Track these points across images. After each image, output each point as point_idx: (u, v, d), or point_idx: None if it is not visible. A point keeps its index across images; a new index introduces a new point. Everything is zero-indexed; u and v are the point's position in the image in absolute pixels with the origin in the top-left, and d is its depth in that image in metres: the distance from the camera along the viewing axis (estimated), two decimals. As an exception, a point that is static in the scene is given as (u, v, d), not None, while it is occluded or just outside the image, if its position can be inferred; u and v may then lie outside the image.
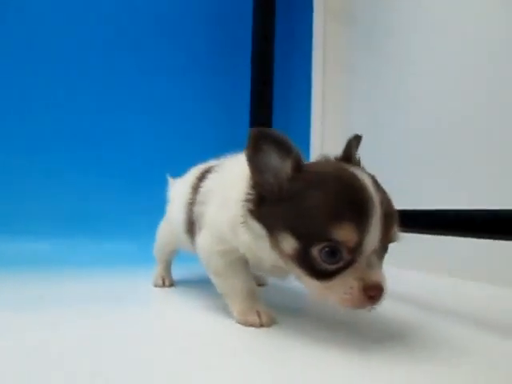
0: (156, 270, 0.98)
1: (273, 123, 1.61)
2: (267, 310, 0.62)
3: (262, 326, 0.59)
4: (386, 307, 0.54)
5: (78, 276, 1.06)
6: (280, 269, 0.57)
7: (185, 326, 0.62)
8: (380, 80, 1.41)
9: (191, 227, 0.73)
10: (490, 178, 1.00)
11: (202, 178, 0.74)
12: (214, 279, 0.67)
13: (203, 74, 1.82)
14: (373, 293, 0.47)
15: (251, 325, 0.59)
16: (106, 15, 1.70)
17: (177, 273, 1.02)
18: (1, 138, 1.54)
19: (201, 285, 0.91)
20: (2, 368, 0.42)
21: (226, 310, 0.65)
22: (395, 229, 0.51)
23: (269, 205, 0.53)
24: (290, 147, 0.53)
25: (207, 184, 0.70)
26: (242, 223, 0.56)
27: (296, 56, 1.82)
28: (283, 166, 0.53)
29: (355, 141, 0.61)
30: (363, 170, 0.55)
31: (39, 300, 0.75)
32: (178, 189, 0.87)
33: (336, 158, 0.59)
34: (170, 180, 1.05)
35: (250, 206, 0.55)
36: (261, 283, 0.94)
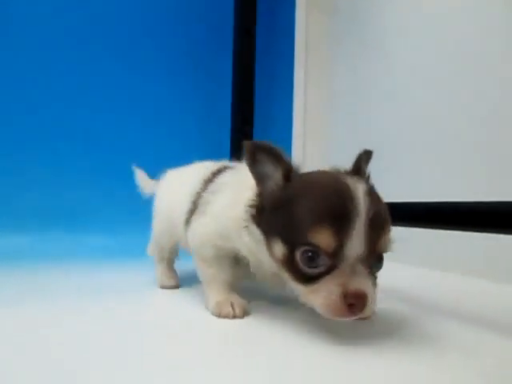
0: (158, 270, 0.91)
1: (255, 117, 1.63)
2: (241, 302, 0.65)
3: (235, 317, 0.62)
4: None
5: (57, 270, 1.08)
6: (280, 278, 0.58)
7: (165, 317, 0.65)
8: (363, 70, 1.42)
9: (191, 216, 0.72)
10: (483, 169, 1.00)
11: (217, 172, 0.74)
12: (198, 264, 0.70)
13: (184, 70, 1.82)
14: (352, 300, 0.47)
15: (225, 316, 0.62)
16: (90, 16, 1.70)
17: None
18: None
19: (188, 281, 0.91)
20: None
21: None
22: (385, 239, 0.51)
23: (267, 212, 0.56)
24: (281, 157, 0.56)
25: (223, 177, 0.71)
26: (245, 227, 0.59)
27: (278, 48, 1.83)
28: (276, 175, 0.56)
29: (365, 155, 0.61)
30: (363, 181, 0.54)
31: (19, 294, 0.78)
32: (182, 180, 0.84)
33: (345, 171, 0.59)
34: (138, 171, 1.05)
35: (253, 211, 0.58)
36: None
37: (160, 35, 1.80)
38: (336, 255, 0.49)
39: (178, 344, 0.52)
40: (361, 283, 0.48)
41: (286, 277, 0.54)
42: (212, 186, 0.71)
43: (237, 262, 0.67)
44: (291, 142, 1.65)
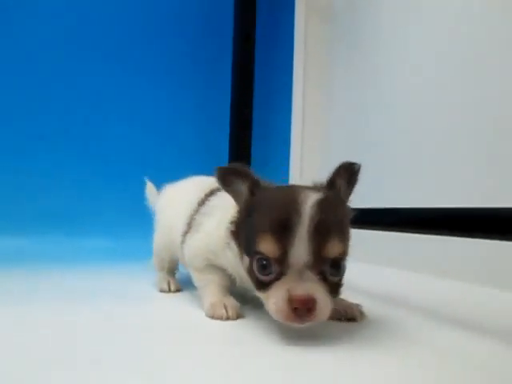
0: (158, 275, 0.95)
1: (253, 121, 1.66)
2: (235, 304, 0.67)
3: (228, 319, 0.64)
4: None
5: (57, 272, 1.10)
6: None
7: (163, 318, 0.68)
8: (361, 75, 1.44)
9: (186, 236, 0.78)
10: (478, 176, 1.00)
11: (210, 194, 0.80)
12: (193, 273, 0.76)
13: (184, 75, 1.85)
14: (296, 305, 0.50)
15: (218, 318, 0.65)
16: (91, 23, 1.74)
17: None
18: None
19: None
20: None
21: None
22: (331, 245, 0.52)
23: (241, 226, 0.61)
24: (246, 174, 0.62)
25: (214, 200, 0.77)
26: (226, 243, 0.64)
27: (277, 54, 1.85)
28: (244, 191, 0.61)
29: (345, 168, 0.61)
30: (322, 194, 0.56)
31: (19, 296, 0.80)
32: (180, 200, 0.89)
33: (319, 185, 0.61)
34: (149, 184, 1.09)
35: (232, 227, 0.63)
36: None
37: (159, 41, 1.82)
38: (282, 262, 0.52)
39: (170, 344, 0.54)
40: (304, 288, 0.50)
41: (252, 286, 0.58)
42: (204, 209, 0.76)
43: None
44: (289, 146, 1.67)
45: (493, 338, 0.61)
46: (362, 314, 0.66)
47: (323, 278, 0.52)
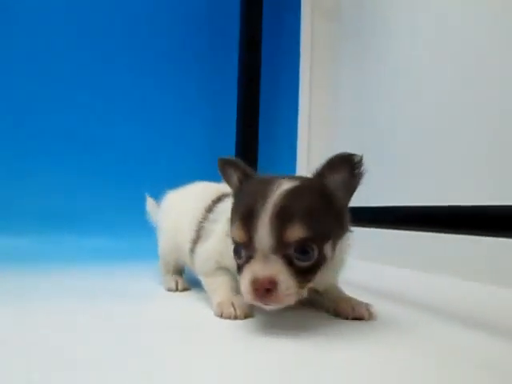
0: (164, 277, 0.95)
1: (260, 121, 1.66)
2: (243, 303, 0.66)
3: (236, 318, 0.64)
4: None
5: (59, 272, 1.11)
6: None
7: (167, 317, 0.68)
8: (368, 74, 1.43)
9: (196, 243, 0.80)
10: (481, 173, 1.01)
11: (217, 201, 0.82)
12: (203, 279, 0.77)
13: (189, 76, 1.86)
14: (255, 286, 0.53)
15: (227, 317, 0.65)
16: (99, 25, 1.75)
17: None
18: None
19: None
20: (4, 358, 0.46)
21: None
22: (291, 229, 0.54)
23: None
24: (237, 165, 0.67)
25: (222, 206, 0.79)
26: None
27: (284, 54, 1.85)
28: (235, 182, 0.67)
29: (347, 159, 0.60)
30: (298, 183, 0.59)
31: (20, 295, 0.80)
32: (186, 205, 0.91)
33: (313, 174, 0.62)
34: (149, 200, 1.13)
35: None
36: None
37: (166, 41, 1.83)
38: (249, 247, 0.56)
39: (176, 344, 0.54)
40: (264, 270, 0.54)
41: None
42: (212, 215, 0.78)
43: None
44: (296, 146, 1.68)
45: (502, 336, 0.60)
46: (370, 313, 0.66)
47: (288, 263, 0.55)
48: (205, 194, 0.88)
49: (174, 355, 0.49)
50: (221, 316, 0.65)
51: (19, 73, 1.65)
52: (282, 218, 0.55)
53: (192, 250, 0.81)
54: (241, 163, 0.68)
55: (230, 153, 1.68)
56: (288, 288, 0.54)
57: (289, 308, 0.71)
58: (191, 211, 0.86)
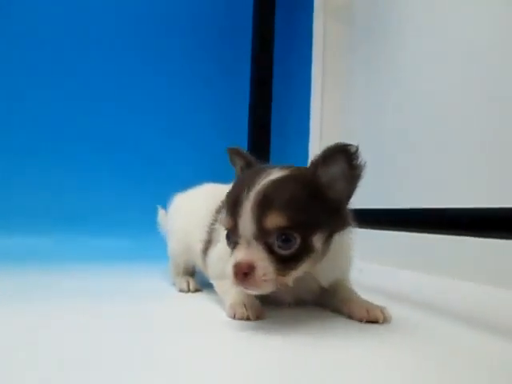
0: (175, 279, 0.94)
1: (272, 123, 1.65)
2: (255, 304, 0.67)
3: (248, 319, 0.63)
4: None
5: (77, 270, 1.12)
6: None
7: (178, 318, 0.68)
8: (379, 79, 1.43)
9: (208, 246, 0.80)
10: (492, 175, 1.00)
11: None
12: (214, 282, 0.77)
13: (201, 71, 1.87)
14: (234, 269, 0.56)
15: (239, 318, 0.64)
16: (118, 22, 1.77)
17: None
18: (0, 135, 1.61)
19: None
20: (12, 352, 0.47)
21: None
22: (270, 217, 0.56)
23: None
24: (241, 154, 0.71)
25: None
26: None
27: (295, 55, 1.85)
28: (238, 171, 0.72)
29: (343, 150, 0.60)
30: (286, 173, 0.61)
31: (32, 293, 0.81)
32: (197, 207, 0.92)
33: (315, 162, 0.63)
34: (161, 211, 1.13)
35: None
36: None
37: (178, 42, 1.85)
38: (235, 233, 0.59)
39: (190, 345, 0.54)
40: (243, 254, 0.57)
41: None
42: None
43: None
44: (308, 142, 1.66)
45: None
46: (385, 316, 0.65)
47: (269, 250, 0.57)
48: (214, 195, 0.87)
49: (187, 356, 0.49)
50: (234, 317, 0.64)
51: (34, 69, 1.66)
52: (263, 206, 0.57)
53: (203, 251, 0.81)
54: (244, 152, 0.71)
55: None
56: (265, 274, 0.56)
57: (301, 309, 0.72)
58: (201, 212, 0.86)
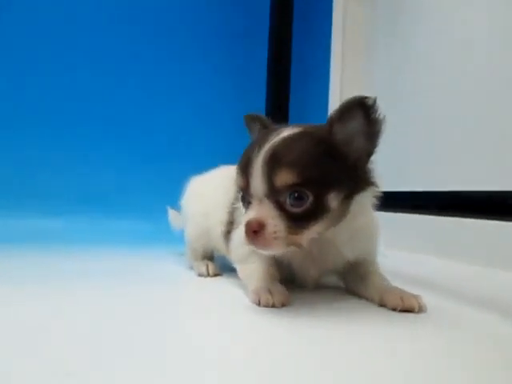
0: (194, 264, 0.90)
1: (290, 105, 1.60)
2: (281, 290, 0.63)
3: (273, 305, 0.60)
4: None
5: (92, 252, 1.11)
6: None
7: (191, 303, 0.65)
8: (401, 63, 1.38)
9: (230, 228, 0.77)
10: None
11: None
12: (237, 266, 0.73)
13: (219, 50, 1.85)
14: (246, 228, 0.55)
15: (264, 304, 0.60)
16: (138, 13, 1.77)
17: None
18: (16, 119, 1.60)
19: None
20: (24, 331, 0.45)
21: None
22: (279, 175, 0.55)
23: None
24: (259, 118, 0.69)
25: None
26: None
27: (315, 39, 1.79)
28: (256, 134, 0.69)
29: (361, 103, 0.57)
30: (299, 131, 0.59)
31: (52, 274, 0.80)
32: (216, 189, 0.88)
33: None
34: (172, 211, 1.11)
35: None
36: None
37: (197, 21, 1.83)
38: (248, 192, 0.59)
39: (214, 331, 0.51)
40: (254, 213, 0.56)
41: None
42: None
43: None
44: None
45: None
46: (420, 305, 0.60)
47: (280, 208, 0.56)
48: (232, 175, 0.83)
49: (212, 343, 0.46)
50: (258, 304, 0.61)
51: (54, 54, 1.65)
52: (272, 163, 0.56)
53: (225, 234, 0.78)
54: (262, 116, 0.70)
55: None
56: (276, 231, 0.55)
57: (327, 295, 0.68)
58: (221, 194, 0.83)
